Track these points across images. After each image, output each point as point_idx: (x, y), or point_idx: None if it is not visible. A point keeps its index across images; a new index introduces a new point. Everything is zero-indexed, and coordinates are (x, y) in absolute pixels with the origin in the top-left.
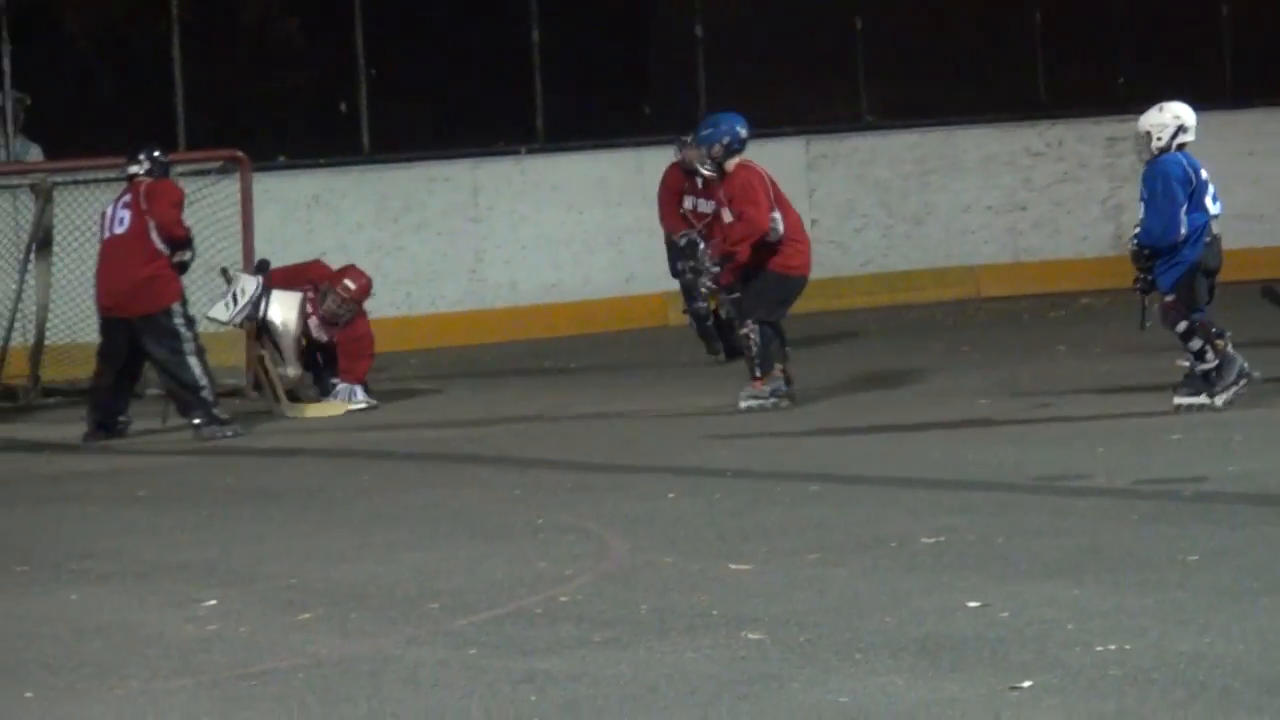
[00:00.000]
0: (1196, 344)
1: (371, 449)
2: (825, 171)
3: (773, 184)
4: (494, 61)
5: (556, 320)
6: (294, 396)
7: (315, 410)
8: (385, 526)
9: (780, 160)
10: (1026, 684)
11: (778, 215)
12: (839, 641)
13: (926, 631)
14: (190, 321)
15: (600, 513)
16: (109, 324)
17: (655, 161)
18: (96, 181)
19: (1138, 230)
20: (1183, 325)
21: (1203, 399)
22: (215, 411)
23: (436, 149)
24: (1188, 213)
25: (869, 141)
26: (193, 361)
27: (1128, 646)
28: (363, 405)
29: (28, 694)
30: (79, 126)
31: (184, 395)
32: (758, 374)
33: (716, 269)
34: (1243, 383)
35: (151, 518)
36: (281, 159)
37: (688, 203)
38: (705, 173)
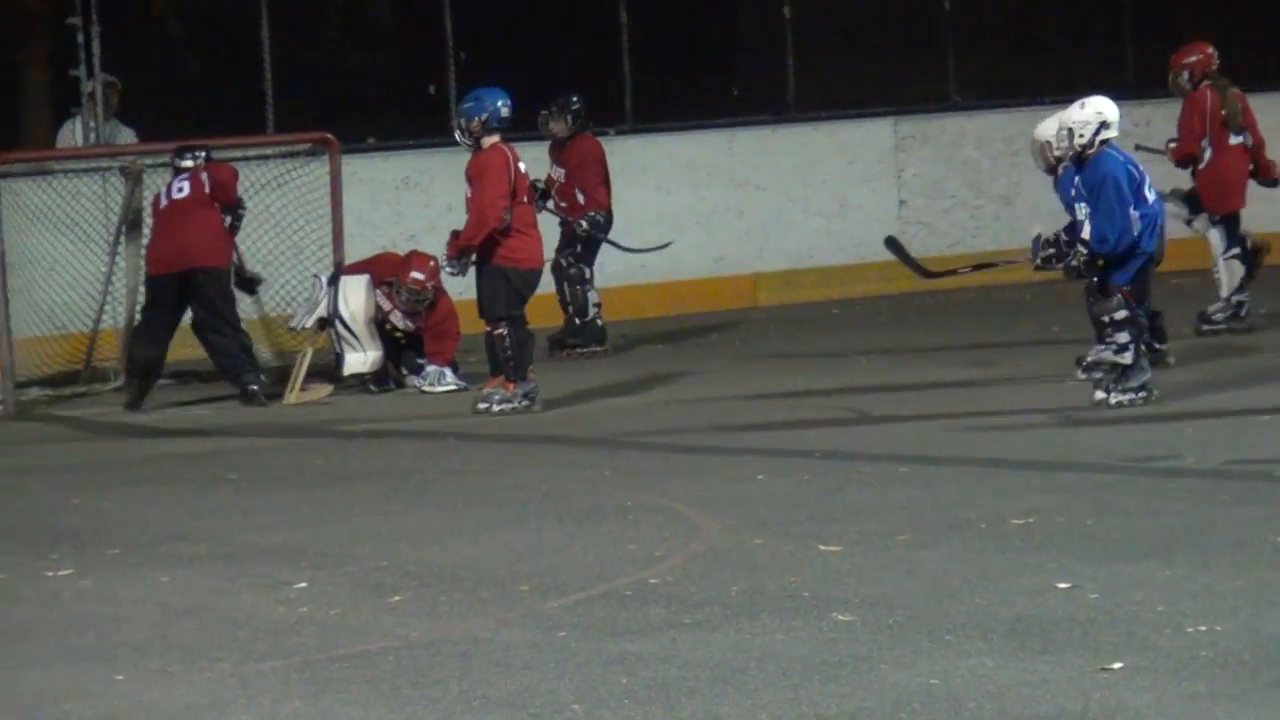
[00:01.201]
0: (1125, 337)
1: (461, 430)
2: (913, 152)
3: (516, 170)
4: (582, 43)
5: (644, 301)
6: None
7: (297, 397)
8: (475, 508)
9: (868, 141)
10: (1117, 665)
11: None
12: (929, 623)
13: (1016, 613)
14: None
15: (690, 494)
16: (160, 288)
17: (744, 143)
18: None
19: (1081, 236)
20: (1123, 313)
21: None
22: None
23: (526, 130)
24: (1135, 207)
25: (957, 122)
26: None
27: (1219, 628)
28: (452, 387)
29: (119, 676)
30: (169, 109)
31: (223, 360)
32: (511, 376)
33: (455, 271)
34: (1143, 396)
35: (242, 500)
36: (371, 141)
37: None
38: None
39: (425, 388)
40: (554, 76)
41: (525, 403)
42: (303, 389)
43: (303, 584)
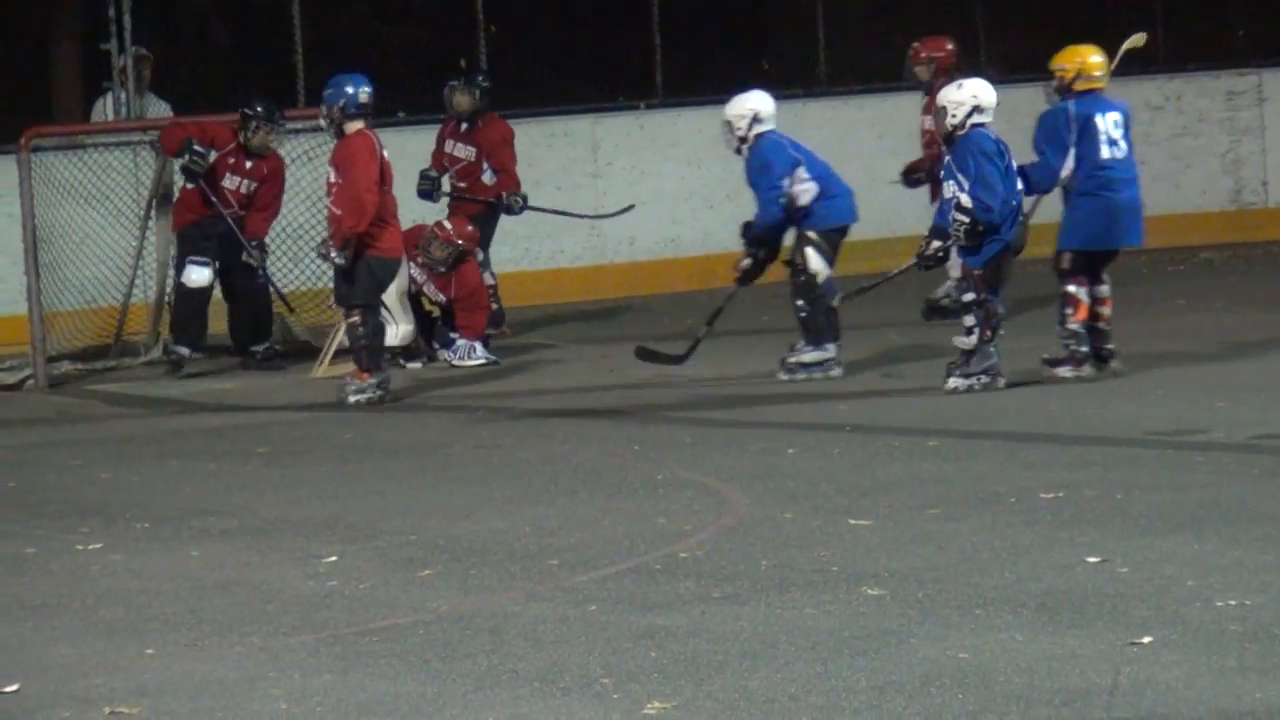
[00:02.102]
0: (971, 320)
1: (491, 405)
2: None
3: (382, 157)
4: (613, 17)
5: (675, 276)
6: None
7: (325, 370)
8: (505, 482)
9: (898, 114)
10: (1147, 639)
11: None
12: (959, 597)
13: (1046, 587)
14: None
15: (719, 468)
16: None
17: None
18: None
19: (962, 205)
20: (970, 295)
21: (974, 380)
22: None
23: (556, 104)
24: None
25: None
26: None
27: (1248, 602)
28: (482, 361)
29: (149, 650)
30: (200, 83)
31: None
32: (365, 365)
33: (340, 260)
34: (985, 381)
35: (272, 474)
36: (401, 115)
37: (447, 145)
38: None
39: (455, 362)
40: (584, 50)
41: (379, 392)
42: (331, 363)
43: (332, 558)
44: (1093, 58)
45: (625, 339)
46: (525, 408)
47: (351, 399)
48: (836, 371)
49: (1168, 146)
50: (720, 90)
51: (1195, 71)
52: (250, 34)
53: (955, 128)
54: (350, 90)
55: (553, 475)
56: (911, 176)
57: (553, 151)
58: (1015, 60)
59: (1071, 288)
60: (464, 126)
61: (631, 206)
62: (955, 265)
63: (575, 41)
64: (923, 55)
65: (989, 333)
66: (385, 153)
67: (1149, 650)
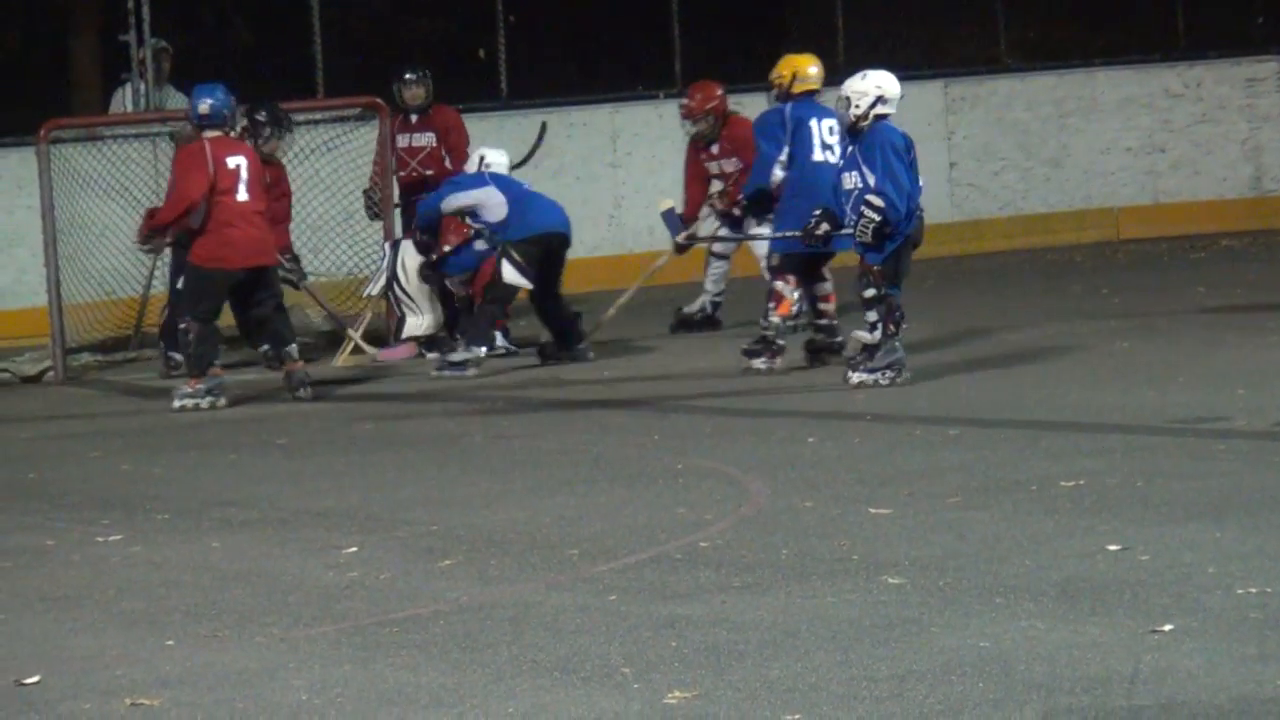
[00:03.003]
0: (873, 315)
1: (511, 395)
2: (963, 114)
3: (221, 164)
4: (632, 7)
5: (694, 264)
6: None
7: (345, 360)
8: (525, 472)
9: (919, 103)
10: (1167, 627)
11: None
12: (979, 585)
13: (1067, 575)
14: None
15: (740, 457)
16: None
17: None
18: None
19: (870, 200)
20: (871, 291)
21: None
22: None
23: (575, 95)
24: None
25: (1007, 84)
26: None
27: (1269, 590)
28: (501, 351)
29: (169, 641)
30: (219, 75)
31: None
32: (191, 372)
33: (147, 249)
34: (889, 375)
35: (292, 465)
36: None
37: (402, 140)
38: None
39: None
40: (603, 40)
41: (209, 398)
42: (352, 354)
43: (353, 549)
44: (809, 67)
45: (645, 329)
46: (546, 398)
47: (176, 404)
48: (472, 371)
49: (1188, 134)
50: (739, 80)
51: (1215, 58)
52: (269, 26)
53: (859, 118)
54: (194, 103)
55: (573, 465)
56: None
57: (572, 142)
58: (1035, 48)
59: (779, 284)
60: (414, 118)
61: (544, 122)
62: (711, 279)
63: (594, 31)
64: (696, 110)
65: (892, 327)
66: (238, 161)
67: (1170, 638)
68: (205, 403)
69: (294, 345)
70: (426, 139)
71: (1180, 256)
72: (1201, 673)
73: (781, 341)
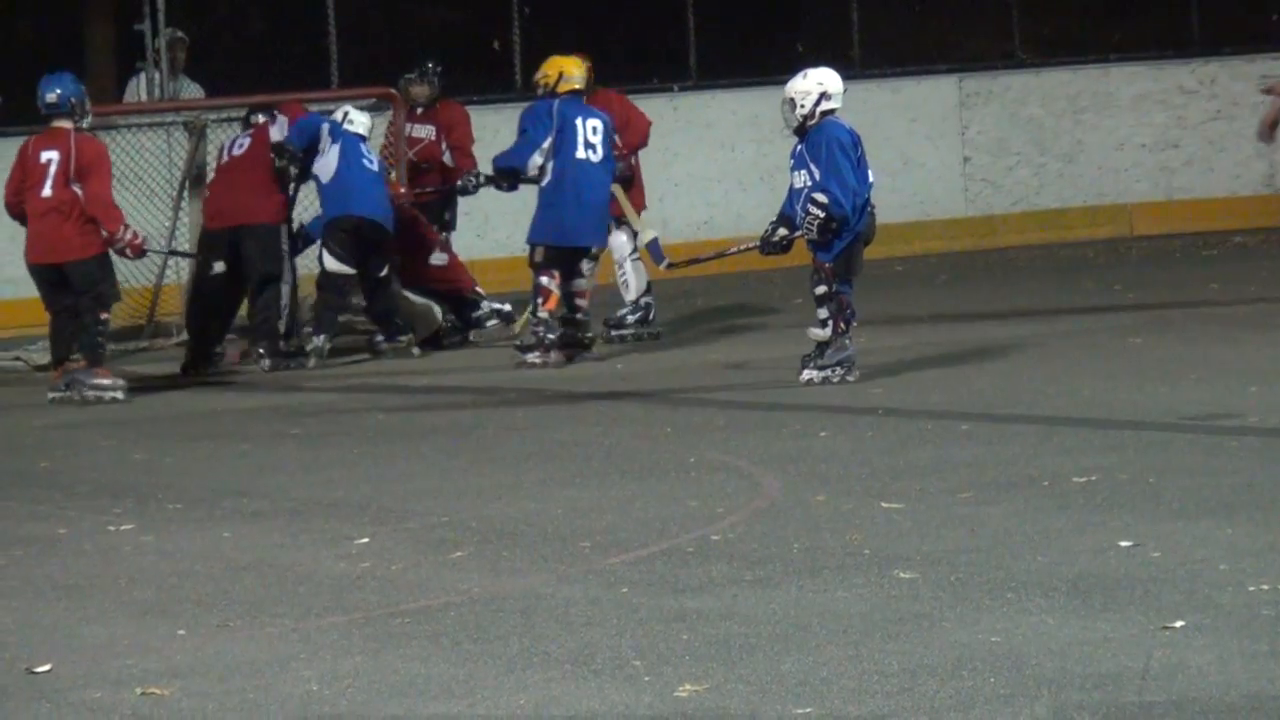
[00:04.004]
0: (825, 313)
1: (523, 387)
2: (978, 109)
3: (33, 159)
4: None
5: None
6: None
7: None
8: (537, 464)
9: (933, 98)
10: (1179, 624)
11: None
12: (991, 580)
13: (1078, 571)
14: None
15: (752, 451)
16: (212, 243)
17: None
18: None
19: (815, 198)
20: (821, 289)
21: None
22: (280, 345)
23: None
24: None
25: (1022, 79)
26: (284, 290)
27: None
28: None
29: (180, 631)
30: (233, 65)
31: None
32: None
33: None
34: (839, 373)
35: (304, 455)
36: (444, 97)
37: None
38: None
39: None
40: (617, 32)
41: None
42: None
43: (364, 539)
44: (574, 69)
45: (658, 321)
46: (558, 390)
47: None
48: (313, 362)
49: (1202, 130)
50: (754, 73)
51: (1230, 55)
52: (284, 16)
53: (806, 118)
54: (41, 92)
55: (585, 457)
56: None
57: None
58: (1049, 43)
59: (544, 280)
60: (419, 111)
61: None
62: (627, 288)
63: (609, 24)
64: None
65: (843, 325)
66: (50, 155)
67: (1181, 635)
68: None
69: (82, 349)
70: (426, 131)
71: (1193, 253)
72: (1213, 669)
73: (553, 336)
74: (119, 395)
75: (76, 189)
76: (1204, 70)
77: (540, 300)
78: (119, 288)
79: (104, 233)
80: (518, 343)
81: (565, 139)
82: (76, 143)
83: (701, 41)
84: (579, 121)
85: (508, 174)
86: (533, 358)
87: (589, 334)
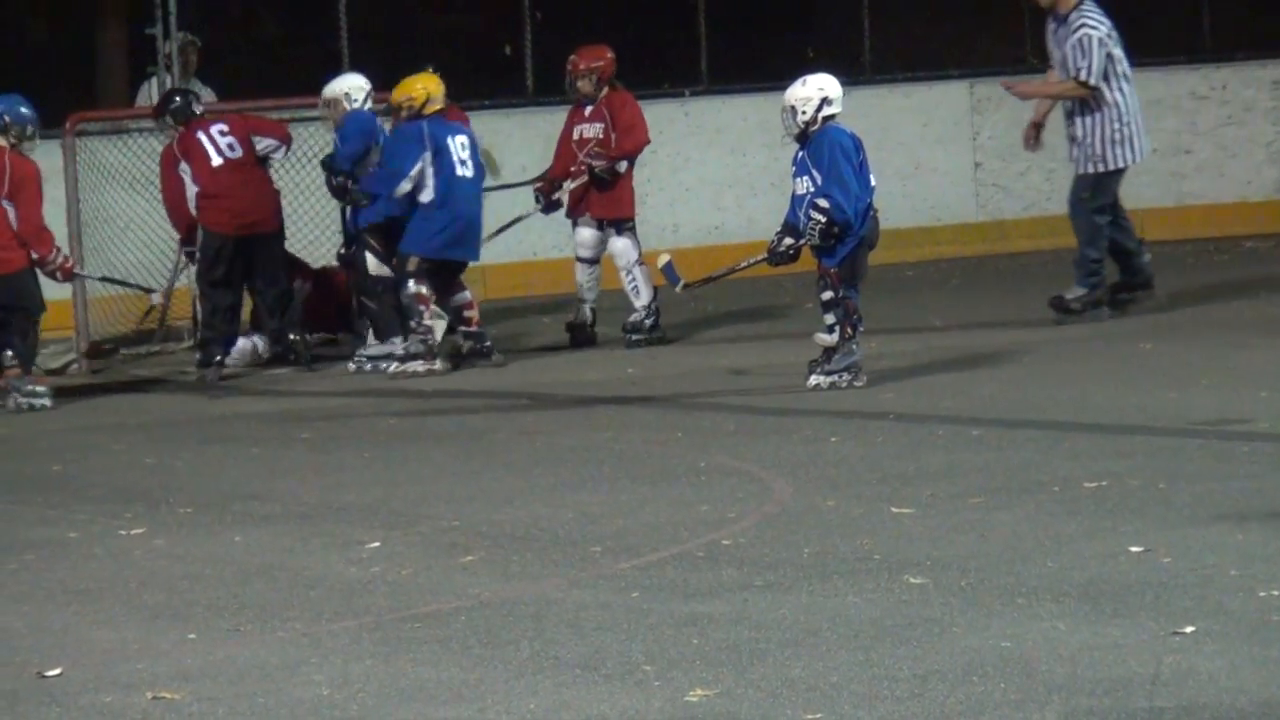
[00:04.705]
0: (831, 318)
1: (534, 391)
2: (989, 114)
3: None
4: (658, 4)
5: (719, 262)
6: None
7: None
8: (547, 469)
9: (944, 103)
10: (1189, 629)
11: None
12: (1001, 586)
13: (1089, 576)
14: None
15: (762, 456)
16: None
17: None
18: None
19: (819, 204)
20: (828, 294)
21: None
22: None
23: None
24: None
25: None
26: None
27: None
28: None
29: (191, 635)
30: (244, 70)
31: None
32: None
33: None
34: (846, 379)
35: (315, 459)
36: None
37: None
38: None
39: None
40: (628, 37)
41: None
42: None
43: (375, 544)
44: (436, 88)
45: (669, 325)
46: (569, 395)
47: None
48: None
49: (1213, 136)
50: (765, 78)
51: (1242, 61)
52: (295, 20)
53: (808, 124)
54: None
55: (596, 462)
56: (551, 198)
57: None
58: None
59: (417, 287)
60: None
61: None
62: (638, 294)
63: (620, 28)
64: (582, 68)
65: (850, 330)
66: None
67: (1191, 640)
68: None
69: (18, 357)
70: None
71: (1204, 259)
72: (1223, 675)
73: (436, 340)
74: (47, 402)
75: (7, 206)
76: (1215, 75)
77: (421, 308)
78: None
79: (34, 255)
80: (401, 351)
81: (443, 159)
82: (11, 162)
83: (713, 46)
84: (449, 141)
85: (366, 194)
86: (418, 366)
87: (487, 342)
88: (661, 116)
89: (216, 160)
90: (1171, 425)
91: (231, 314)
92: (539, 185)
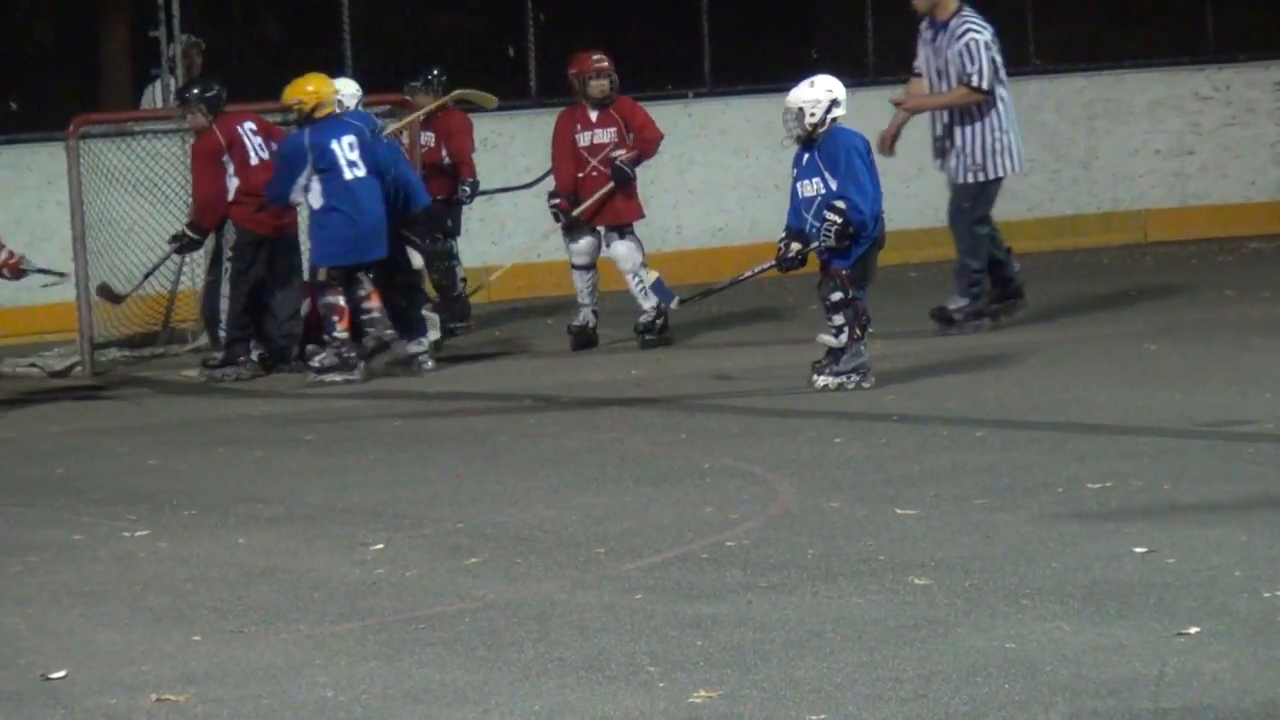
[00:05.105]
0: (840, 319)
1: (537, 393)
2: None
3: None
4: (661, 5)
5: (722, 264)
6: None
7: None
8: (551, 470)
9: None
10: (1193, 630)
11: None
12: (1005, 587)
13: (1093, 577)
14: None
15: (766, 457)
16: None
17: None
18: None
19: (835, 204)
20: (837, 295)
21: (843, 378)
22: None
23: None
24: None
25: (1036, 85)
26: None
27: None
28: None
29: (196, 637)
30: (247, 72)
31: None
32: None
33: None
34: (855, 379)
35: (319, 461)
36: (449, 103)
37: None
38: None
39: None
40: (632, 38)
41: None
42: None
43: (379, 545)
44: (325, 86)
45: (672, 327)
46: (573, 396)
47: None
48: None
49: (1217, 136)
50: (768, 80)
51: (1245, 61)
52: (298, 22)
53: (816, 125)
54: None
55: (600, 463)
56: (574, 214)
57: None
58: (1063, 49)
59: (332, 299)
60: (422, 118)
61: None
62: (648, 295)
63: (623, 30)
64: (605, 66)
65: (859, 331)
66: None
67: (1196, 641)
68: None
69: None
70: (427, 137)
71: (1208, 259)
72: (1228, 676)
73: (354, 353)
74: None
75: None
76: (1218, 76)
77: (335, 319)
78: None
79: None
80: (315, 363)
81: (328, 165)
82: None
83: (716, 48)
84: (334, 145)
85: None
86: (334, 377)
87: (388, 329)
88: (664, 118)
89: (254, 158)
90: (1176, 426)
91: (258, 315)
92: (558, 202)
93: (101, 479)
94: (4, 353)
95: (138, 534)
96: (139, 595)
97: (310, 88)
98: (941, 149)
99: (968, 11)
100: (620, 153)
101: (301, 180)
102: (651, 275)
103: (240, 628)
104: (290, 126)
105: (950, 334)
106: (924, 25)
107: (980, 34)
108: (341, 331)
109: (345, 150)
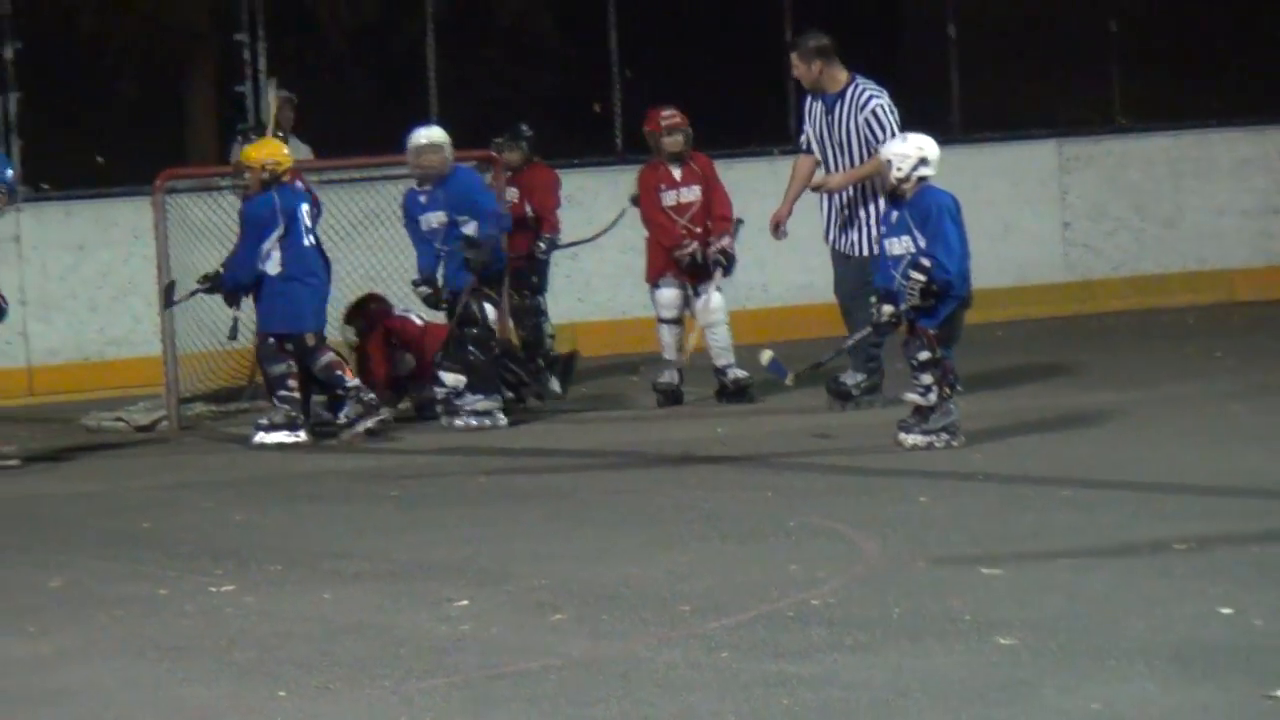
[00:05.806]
0: (928, 379)
1: (622, 450)
2: (1077, 174)
3: None
4: (746, 62)
5: (808, 322)
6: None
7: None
8: (637, 527)
9: (1032, 162)
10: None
11: None
12: (1091, 647)
13: (1179, 638)
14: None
15: (852, 515)
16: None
17: None
18: (350, 181)
19: (921, 263)
20: (925, 354)
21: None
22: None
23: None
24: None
25: (1122, 144)
26: None
27: None
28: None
29: (281, 693)
30: (333, 126)
31: None
32: None
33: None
34: (944, 438)
35: (404, 517)
36: (535, 160)
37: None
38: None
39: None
40: (717, 94)
41: None
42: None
43: (464, 602)
44: (283, 150)
45: (758, 385)
46: (658, 453)
47: None
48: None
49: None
50: None
51: None
52: (385, 78)
53: (901, 180)
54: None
55: (685, 521)
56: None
57: None
58: (1150, 108)
59: (283, 364)
60: (508, 174)
61: (624, 211)
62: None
63: (709, 86)
64: (678, 121)
65: (947, 390)
66: None
67: None
68: None
69: None
70: (512, 193)
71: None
72: None
73: (297, 413)
74: (14, 463)
75: None
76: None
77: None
78: None
79: None
80: (266, 421)
81: (292, 229)
82: None
83: (801, 104)
84: (299, 210)
85: (237, 290)
86: (281, 436)
87: (369, 395)
88: (750, 175)
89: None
90: (1262, 487)
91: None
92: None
93: (187, 533)
94: (90, 407)
95: (223, 589)
96: (224, 650)
97: (266, 152)
98: (843, 223)
99: (860, 80)
100: (724, 241)
101: (266, 245)
102: (766, 354)
103: (326, 684)
104: (241, 190)
105: (847, 409)
106: (810, 100)
107: (882, 98)
108: (287, 392)
109: (304, 216)
